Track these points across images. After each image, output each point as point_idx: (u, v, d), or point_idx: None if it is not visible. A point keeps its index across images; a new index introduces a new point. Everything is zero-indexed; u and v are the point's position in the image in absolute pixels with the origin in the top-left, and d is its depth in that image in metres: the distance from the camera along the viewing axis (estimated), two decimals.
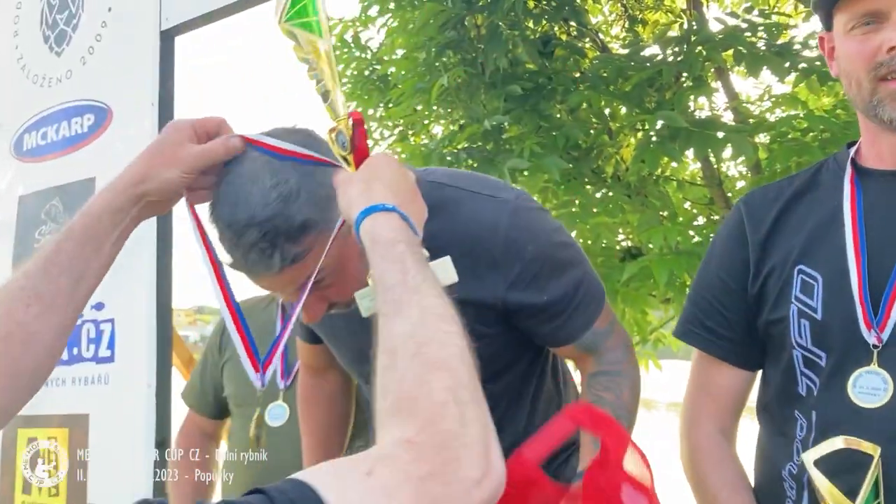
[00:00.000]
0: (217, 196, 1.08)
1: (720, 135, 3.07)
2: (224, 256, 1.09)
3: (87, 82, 2.49)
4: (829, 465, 1.10)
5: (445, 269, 0.97)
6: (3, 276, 2.55)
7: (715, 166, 3.99)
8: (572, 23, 3.63)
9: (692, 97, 3.29)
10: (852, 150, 1.24)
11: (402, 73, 3.61)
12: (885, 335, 1.10)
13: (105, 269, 1.07)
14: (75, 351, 2.35)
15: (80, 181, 2.47)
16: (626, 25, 4.57)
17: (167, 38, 2.32)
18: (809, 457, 1.11)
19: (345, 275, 1.12)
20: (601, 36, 4.54)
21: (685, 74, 3.23)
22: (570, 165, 3.32)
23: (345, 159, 1.06)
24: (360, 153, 1.04)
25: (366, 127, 1.09)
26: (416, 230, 0.92)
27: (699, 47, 3.10)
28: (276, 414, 1.84)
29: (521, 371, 1.38)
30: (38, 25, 2.66)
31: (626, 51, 3.71)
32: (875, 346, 1.10)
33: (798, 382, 1.19)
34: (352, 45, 4.02)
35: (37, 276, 1.02)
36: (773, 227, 1.24)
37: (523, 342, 1.33)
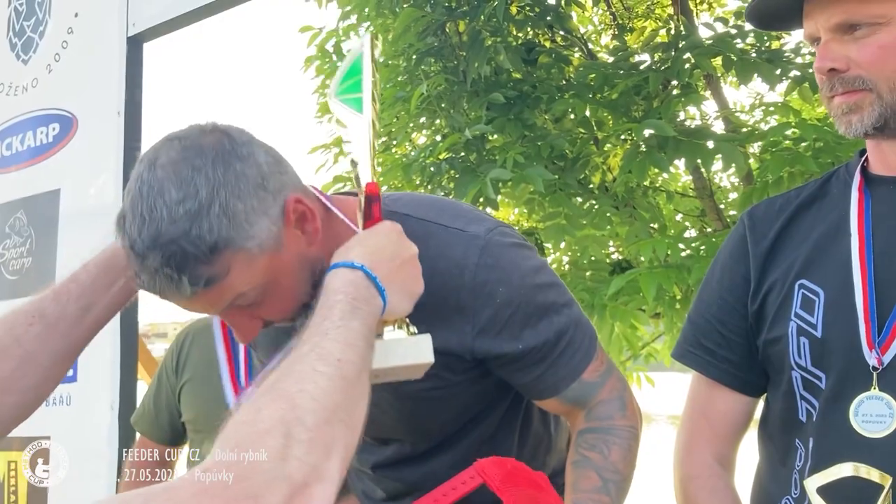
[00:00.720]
0: (123, 208, 0.96)
1: (710, 144, 3.00)
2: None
3: (53, 90, 2.42)
4: (831, 493, 1.03)
5: (419, 348, 0.94)
6: None
7: (706, 177, 3.92)
8: (558, 30, 3.56)
9: (681, 106, 3.21)
10: (864, 158, 1.18)
11: (383, 82, 3.53)
12: (887, 358, 1.03)
13: (118, 306, 1.08)
14: None
15: (45, 193, 2.41)
16: (615, 34, 4.52)
17: (134, 45, 2.25)
18: (812, 483, 1.03)
19: (278, 291, 1.01)
20: (590, 45, 4.49)
21: (674, 82, 3.16)
22: (556, 176, 3.23)
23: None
24: (371, 224, 1.02)
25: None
26: (382, 292, 0.91)
27: (687, 54, 3.03)
28: None
29: (497, 420, 1.25)
30: (4, 33, 2.60)
31: (612, 59, 3.65)
32: (875, 369, 1.03)
33: (798, 408, 1.12)
34: (333, 54, 3.95)
35: (46, 299, 1.05)
36: (777, 239, 1.16)
37: (501, 387, 1.20)
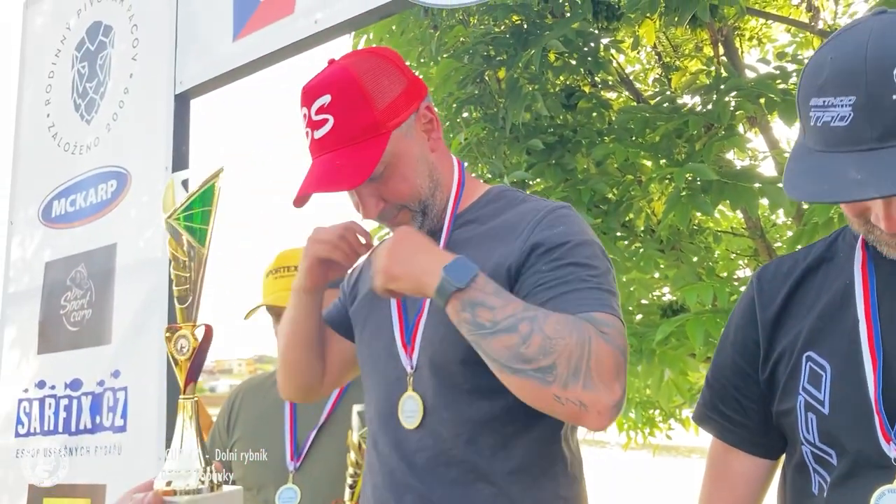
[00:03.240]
0: None
1: (757, 185, 2.95)
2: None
3: (112, 148, 2.53)
4: None
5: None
6: (30, 340, 2.60)
7: (757, 216, 3.85)
8: (597, 76, 3.58)
9: (724, 148, 3.18)
10: None
11: None
12: None
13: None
14: (97, 419, 2.33)
15: (103, 247, 2.50)
16: (660, 74, 4.51)
17: (181, 101, 2.34)
18: None
19: (399, 172, 1.24)
20: (638, 85, 4.49)
21: (716, 125, 3.13)
22: (599, 220, 3.22)
23: (175, 363, 1.09)
24: (193, 369, 1.09)
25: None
26: None
27: (728, 96, 3.00)
28: (287, 497, 1.78)
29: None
30: (69, 94, 2.73)
31: (655, 101, 3.64)
32: None
33: (811, 480, 1.08)
34: None
35: None
36: (784, 305, 1.13)
37: None
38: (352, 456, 1.50)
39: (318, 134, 1.22)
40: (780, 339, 1.12)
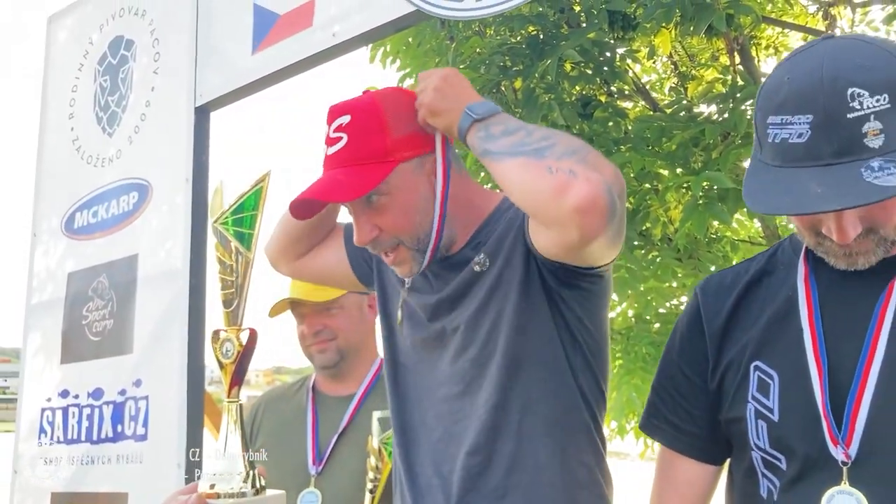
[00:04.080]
0: None
1: None
2: None
3: (134, 160, 2.55)
4: None
5: None
6: (53, 350, 2.64)
7: (771, 226, 3.83)
8: (613, 85, 3.59)
9: (742, 156, 3.18)
10: None
11: None
12: (853, 451, 1.02)
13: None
14: (119, 428, 2.36)
15: (125, 258, 2.52)
16: (676, 84, 4.51)
17: (202, 114, 2.37)
18: None
19: (400, 205, 1.26)
20: (655, 94, 4.49)
21: (732, 133, 3.13)
22: None
23: (221, 366, 1.08)
24: (238, 372, 1.10)
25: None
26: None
27: (744, 104, 3.00)
28: (309, 501, 1.81)
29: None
30: (91, 107, 2.77)
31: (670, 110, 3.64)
32: (844, 463, 1.03)
33: (759, 484, 1.12)
34: None
35: None
36: (729, 318, 1.17)
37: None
38: (372, 461, 1.51)
39: (331, 150, 1.28)
40: (728, 350, 1.16)
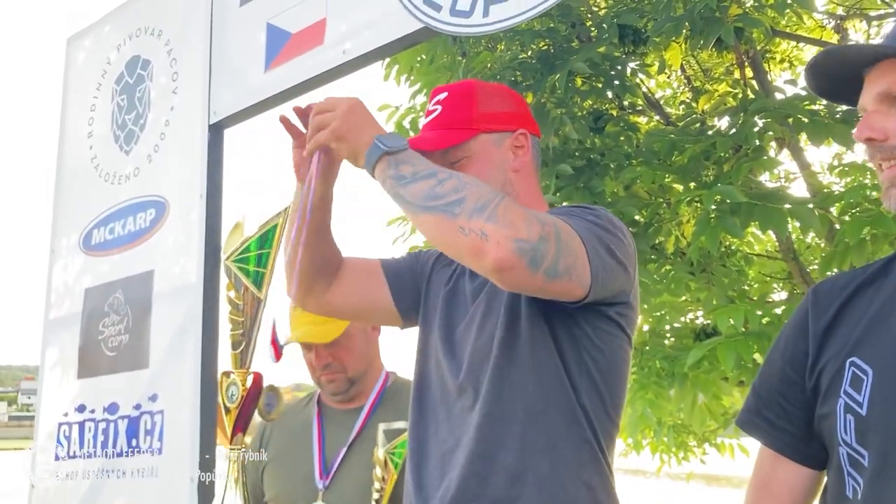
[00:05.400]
0: None
1: (787, 206, 2.94)
2: None
3: (151, 178, 2.59)
4: None
5: None
6: (70, 365, 2.67)
7: (789, 239, 3.81)
8: (625, 99, 3.60)
9: (754, 170, 3.17)
10: None
11: None
12: None
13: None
14: (134, 442, 2.38)
15: (140, 274, 2.55)
16: (688, 98, 4.51)
17: (215, 131, 2.40)
18: None
19: (478, 165, 1.37)
20: (668, 109, 4.49)
21: (744, 146, 3.12)
22: None
23: (226, 411, 1.05)
24: (244, 414, 1.05)
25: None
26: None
27: (755, 118, 3.00)
28: None
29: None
30: (109, 126, 2.81)
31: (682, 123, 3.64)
32: None
33: (846, 483, 1.09)
34: (410, 130, 4.11)
35: None
36: (835, 317, 1.16)
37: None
38: (377, 471, 1.52)
39: (426, 119, 1.46)
40: (829, 349, 1.15)
